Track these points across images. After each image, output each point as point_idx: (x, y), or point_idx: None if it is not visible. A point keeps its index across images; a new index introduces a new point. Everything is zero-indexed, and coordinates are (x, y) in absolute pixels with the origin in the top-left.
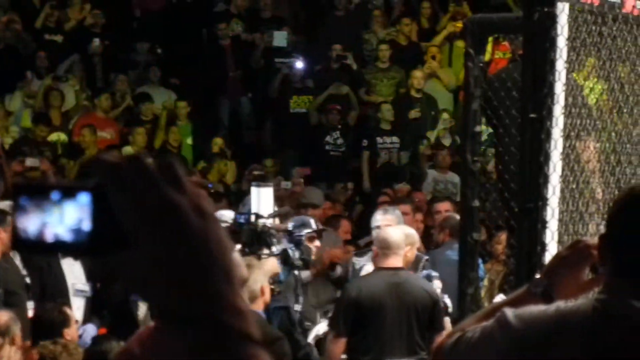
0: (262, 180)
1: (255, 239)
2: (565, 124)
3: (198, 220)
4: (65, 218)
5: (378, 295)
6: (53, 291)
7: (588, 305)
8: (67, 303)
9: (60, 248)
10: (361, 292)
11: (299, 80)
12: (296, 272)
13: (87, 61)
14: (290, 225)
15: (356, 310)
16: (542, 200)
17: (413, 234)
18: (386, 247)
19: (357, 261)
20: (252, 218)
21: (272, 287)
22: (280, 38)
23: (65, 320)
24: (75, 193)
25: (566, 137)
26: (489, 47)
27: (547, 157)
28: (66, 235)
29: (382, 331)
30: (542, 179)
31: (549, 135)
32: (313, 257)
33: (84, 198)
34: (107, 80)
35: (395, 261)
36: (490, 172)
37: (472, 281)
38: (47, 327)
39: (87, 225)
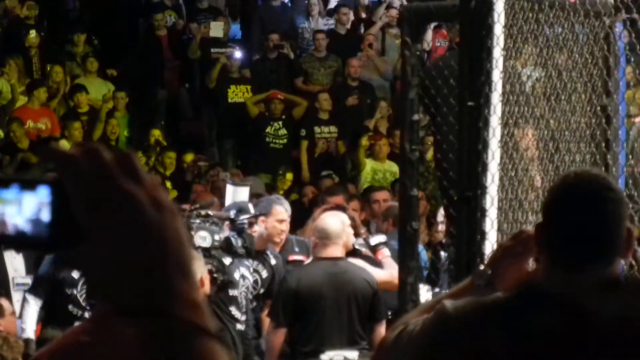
0: (238, 180)
1: None
2: (503, 112)
3: (155, 213)
4: (25, 211)
5: (317, 285)
6: None
7: (525, 294)
8: (8, 295)
9: (21, 240)
10: (300, 282)
11: (237, 70)
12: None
13: (24, 53)
14: (232, 213)
15: (295, 300)
16: (481, 189)
17: (344, 218)
18: (325, 237)
19: None
20: None
21: (216, 275)
22: (217, 29)
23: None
24: (35, 186)
25: (504, 124)
26: (429, 36)
27: (485, 145)
28: (26, 228)
29: (322, 322)
30: (480, 167)
31: (487, 123)
32: None
33: (44, 191)
34: (44, 72)
35: (335, 251)
36: (429, 160)
37: (412, 270)
38: None
39: (46, 218)
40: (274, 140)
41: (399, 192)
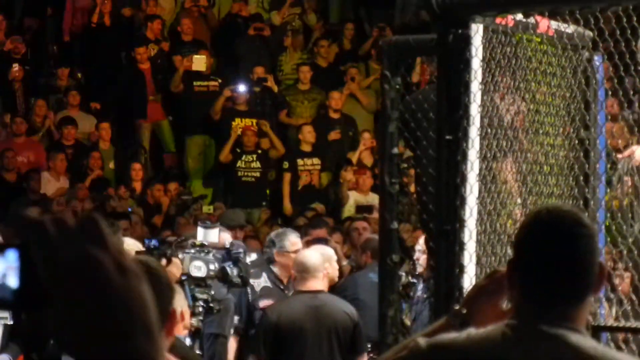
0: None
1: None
2: (481, 146)
3: (119, 277)
4: None
5: (298, 318)
6: None
7: (498, 331)
8: None
9: None
10: (281, 316)
11: (244, 102)
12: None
13: (7, 87)
14: (227, 243)
15: (276, 334)
16: (460, 222)
17: (328, 252)
18: (304, 271)
19: None
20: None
21: (212, 305)
22: (199, 62)
23: None
24: (4, 250)
25: (483, 158)
26: (418, 68)
27: (463, 179)
28: None
29: (303, 355)
30: (459, 201)
31: (465, 157)
32: None
33: (12, 255)
34: (28, 105)
35: (315, 284)
36: (413, 193)
37: (392, 303)
38: None
39: (12, 282)
40: (245, 174)
41: (379, 225)
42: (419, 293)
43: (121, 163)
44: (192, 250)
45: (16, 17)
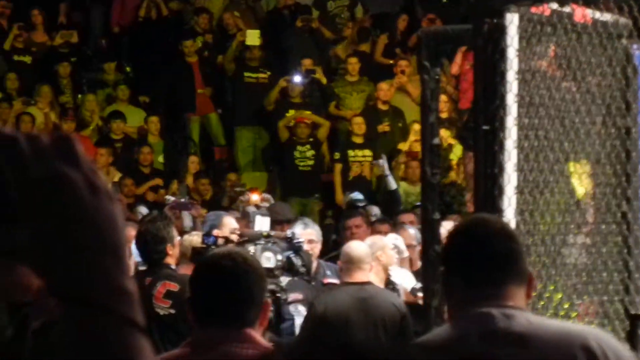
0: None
1: None
2: (518, 135)
3: (90, 197)
4: None
5: (344, 310)
6: None
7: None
8: None
9: None
10: (327, 307)
11: (299, 94)
12: None
13: (56, 82)
14: (289, 232)
15: (322, 325)
16: (498, 212)
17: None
18: (349, 262)
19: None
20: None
21: (279, 295)
22: (252, 36)
23: None
24: None
25: (520, 148)
26: (458, 59)
27: (501, 169)
28: None
29: None
30: (497, 191)
31: (502, 147)
32: None
33: None
34: (76, 100)
35: (361, 275)
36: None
37: (436, 293)
38: None
39: None
40: (301, 163)
41: (421, 216)
42: None
43: (170, 156)
44: (262, 241)
45: (62, 12)
